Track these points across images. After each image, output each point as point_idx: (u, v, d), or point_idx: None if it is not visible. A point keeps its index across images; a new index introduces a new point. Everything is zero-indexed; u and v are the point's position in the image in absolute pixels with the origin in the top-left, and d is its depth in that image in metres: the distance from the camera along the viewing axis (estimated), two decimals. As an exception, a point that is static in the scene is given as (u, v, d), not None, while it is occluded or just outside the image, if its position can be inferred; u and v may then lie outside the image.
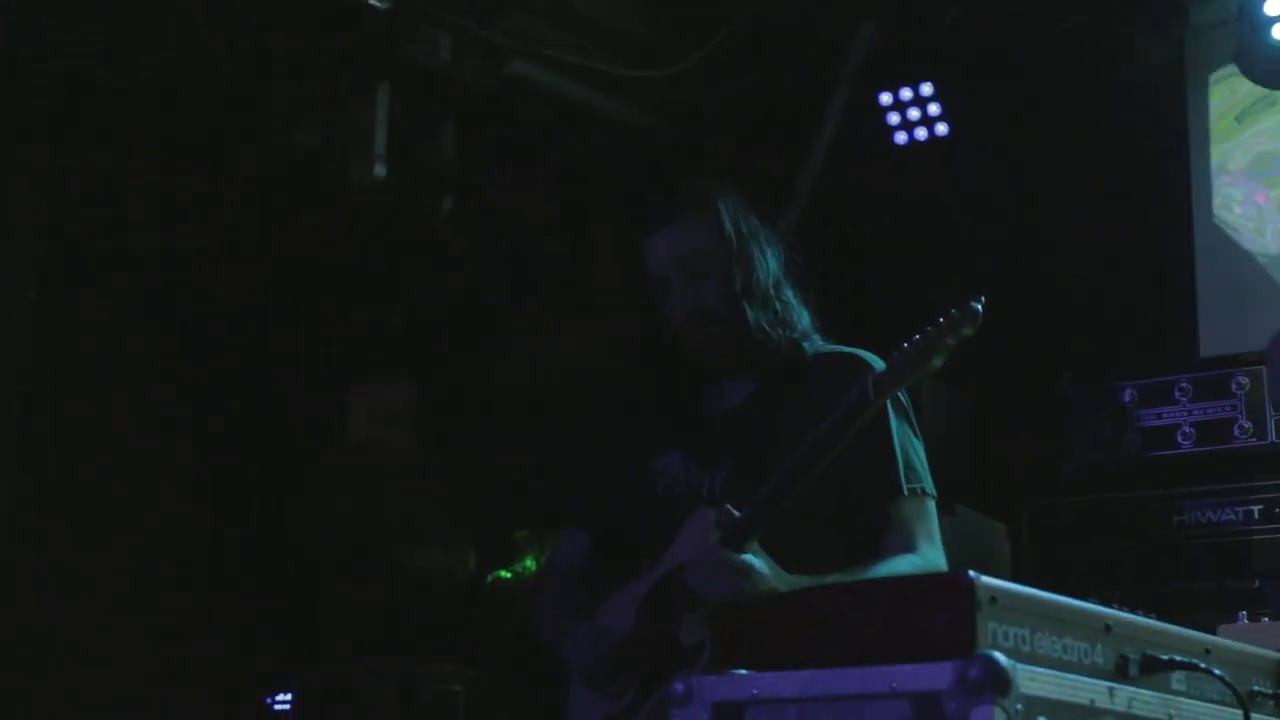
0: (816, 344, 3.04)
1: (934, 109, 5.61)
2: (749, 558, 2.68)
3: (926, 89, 5.62)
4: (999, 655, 1.99)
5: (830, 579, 2.70)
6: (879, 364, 2.89)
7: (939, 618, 2.05)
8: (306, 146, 5.06)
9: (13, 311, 5.02)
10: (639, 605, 2.86)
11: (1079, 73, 5.42)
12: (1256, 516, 3.88)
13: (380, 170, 4.96)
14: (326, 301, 5.79)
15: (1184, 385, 4.15)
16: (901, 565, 2.81)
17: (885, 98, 5.66)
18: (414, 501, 5.91)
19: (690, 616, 2.72)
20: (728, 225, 3.01)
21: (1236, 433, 4.07)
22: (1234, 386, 4.12)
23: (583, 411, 3.81)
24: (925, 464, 2.96)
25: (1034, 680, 2.02)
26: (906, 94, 5.64)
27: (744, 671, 2.17)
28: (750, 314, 2.96)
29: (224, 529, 5.51)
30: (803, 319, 3.04)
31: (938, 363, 2.66)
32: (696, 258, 2.99)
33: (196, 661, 5.35)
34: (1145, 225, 5.23)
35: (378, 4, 4.89)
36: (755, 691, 2.14)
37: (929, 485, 2.93)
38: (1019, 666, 2.01)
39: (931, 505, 2.93)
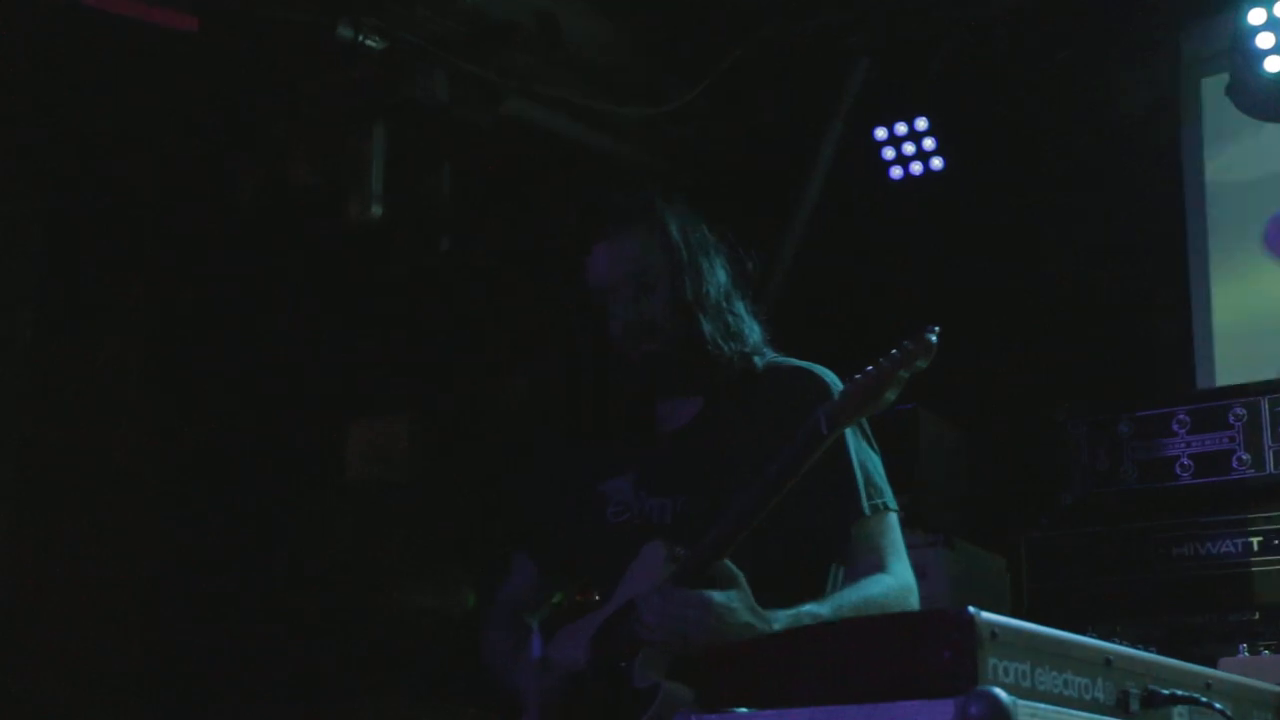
0: (768, 357, 2.93)
1: (929, 144, 5.63)
2: (711, 593, 2.56)
3: (922, 124, 5.64)
4: (1000, 691, 1.98)
5: (806, 608, 2.62)
6: (832, 378, 2.82)
7: (940, 654, 2.04)
8: (303, 185, 5.07)
9: (13, 341, 5.05)
10: (591, 641, 2.73)
11: (1073, 107, 5.45)
12: (1256, 548, 3.87)
13: (377, 209, 4.97)
14: (325, 329, 5.79)
15: (1181, 417, 4.14)
16: (875, 587, 2.72)
17: (881, 133, 5.68)
18: (410, 539, 5.90)
19: (643, 656, 2.59)
20: (674, 234, 2.89)
21: (1235, 464, 4.06)
22: (1231, 418, 4.11)
23: (535, 435, 3.74)
24: (884, 477, 2.87)
25: (1035, 716, 2.01)
26: (902, 129, 5.66)
27: (745, 710, 2.16)
28: (704, 326, 2.85)
29: (222, 557, 5.51)
30: (754, 332, 2.92)
31: (891, 396, 2.58)
32: (641, 269, 2.87)
33: (192, 692, 5.34)
34: (1140, 258, 5.25)
35: (373, 44, 4.91)
36: (756, 730, 2.14)
37: (890, 499, 2.85)
38: (1020, 703, 2.00)
39: (894, 519, 2.85)
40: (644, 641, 2.59)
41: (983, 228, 5.51)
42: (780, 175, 5.78)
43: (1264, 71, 4.89)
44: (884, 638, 2.15)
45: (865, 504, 2.79)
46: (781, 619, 2.56)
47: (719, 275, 2.91)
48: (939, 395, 5.01)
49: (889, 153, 5.67)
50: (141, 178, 5.21)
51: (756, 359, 2.89)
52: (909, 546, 4.30)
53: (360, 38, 4.81)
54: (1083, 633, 2.28)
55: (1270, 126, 5.09)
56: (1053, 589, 4.09)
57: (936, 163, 5.61)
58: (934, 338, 2.53)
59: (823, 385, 2.80)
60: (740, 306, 2.92)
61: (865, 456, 2.83)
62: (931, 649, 2.05)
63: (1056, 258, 5.35)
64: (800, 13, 5.50)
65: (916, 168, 5.64)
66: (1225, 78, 5.09)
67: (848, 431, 2.74)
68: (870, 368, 2.59)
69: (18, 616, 4.99)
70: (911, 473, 4.59)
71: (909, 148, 5.65)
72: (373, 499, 5.83)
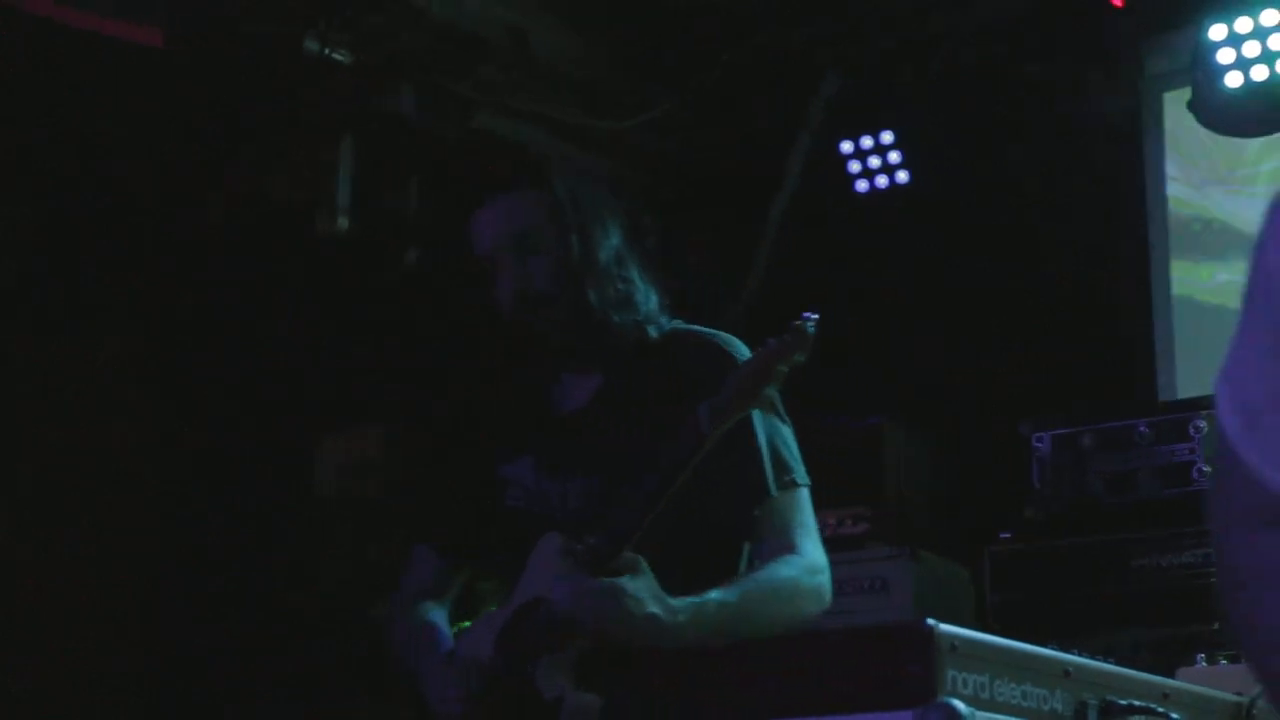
0: (666, 325, 2.76)
1: (894, 157, 5.67)
2: (623, 581, 2.44)
3: (887, 137, 5.67)
4: (959, 703, 2.01)
5: (711, 595, 2.51)
6: (737, 346, 2.70)
7: (899, 666, 2.07)
8: (271, 198, 5.08)
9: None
10: (497, 640, 2.60)
11: (1038, 121, 5.49)
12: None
13: (344, 222, 4.98)
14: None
15: (1143, 430, 4.17)
16: (783, 569, 2.59)
17: (847, 146, 5.71)
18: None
19: (549, 661, 2.49)
20: (563, 197, 2.72)
21: (1196, 476, 4.09)
22: (1192, 430, 4.14)
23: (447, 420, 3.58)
24: (795, 452, 2.70)
25: (992, 728, 2.05)
26: (868, 142, 5.70)
27: (705, 721, 2.19)
28: (590, 293, 2.68)
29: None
30: (649, 300, 2.74)
31: (771, 391, 2.49)
32: (528, 233, 2.70)
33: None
34: (1103, 271, 5.29)
35: (341, 57, 4.92)
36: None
37: (800, 475, 2.69)
38: (979, 714, 2.04)
39: (804, 495, 2.69)
40: (551, 641, 2.50)
41: (947, 240, 5.55)
42: (755, 188, 5.81)
43: (1225, 87, 4.93)
44: (844, 649, 2.18)
45: (772, 483, 2.64)
46: (685, 608, 2.47)
47: (611, 239, 2.73)
48: (905, 407, 5.07)
49: (855, 166, 5.71)
50: (110, 191, 5.21)
51: (652, 328, 2.74)
52: (873, 559, 4.38)
53: (327, 51, 4.81)
54: (1044, 644, 2.31)
55: (1231, 142, 5.14)
56: (1016, 601, 4.10)
57: (902, 176, 5.66)
58: (811, 327, 2.41)
59: (726, 356, 2.67)
60: (634, 273, 2.74)
61: (774, 431, 2.68)
62: (891, 661, 2.08)
63: (1021, 269, 5.38)
64: (774, 26, 5.54)
65: (882, 181, 5.68)
66: (1187, 92, 5.14)
67: (755, 411, 2.61)
68: (748, 359, 2.51)
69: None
70: (877, 486, 4.62)
71: (875, 161, 5.69)
72: (346, 513, 5.81)
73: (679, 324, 2.80)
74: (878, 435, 4.71)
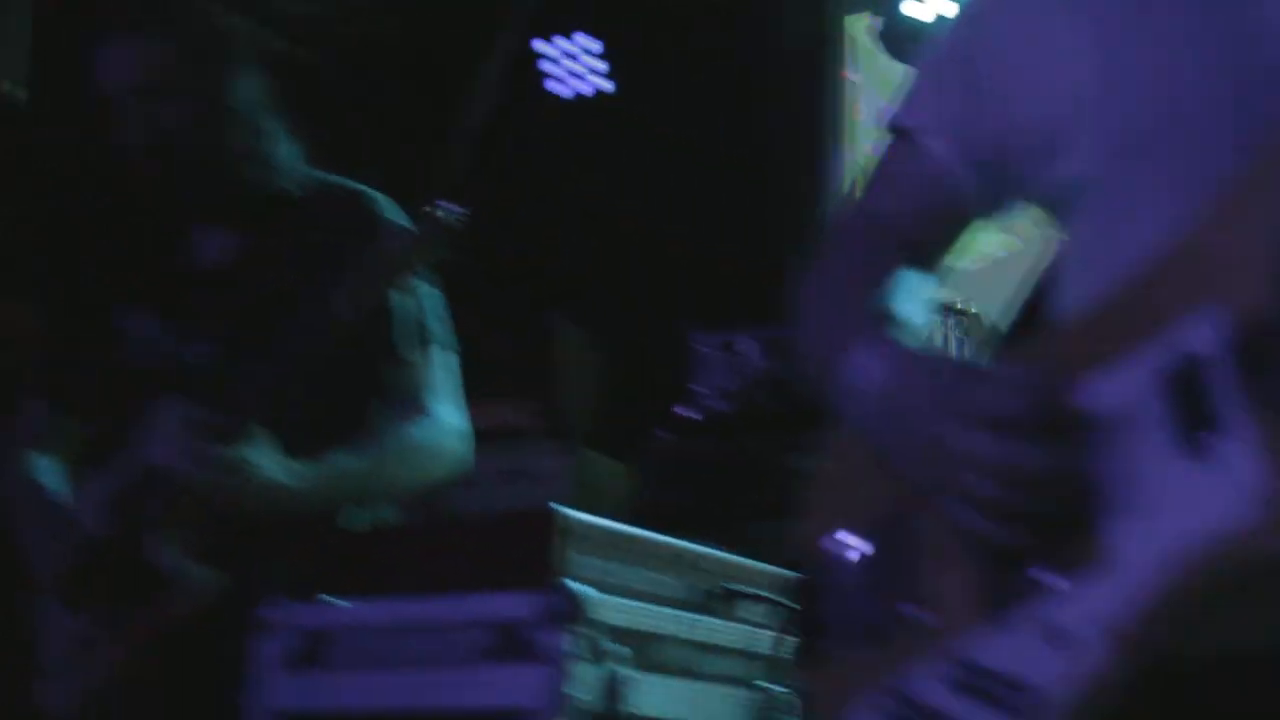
0: (306, 179, 2.62)
1: (595, 64, 5.71)
2: (237, 452, 2.35)
3: (587, 43, 5.70)
4: (578, 585, 2.09)
5: (340, 459, 2.44)
6: (382, 203, 2.59)
7: (522, 549, 2.13)
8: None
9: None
10: (110, 506, 2.48)
11: (739, 36, 5.60)
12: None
13: (14, 89, 4.78)
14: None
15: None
16: (415, 431, 2.51)
17: (547, 48, 5.72)
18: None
19: (166, 532, 2.38)
20: (197, 38, 2.54)
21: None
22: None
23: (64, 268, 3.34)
24: (439, 315, 2.60)
25: (613, 610, 2.12)
26: (569, 46, 5.71)
27: (332, 599, 2.22)
28: (221, 141, 2.52)
29: None
30: (287, 152, 2.60)
31: (412, 279, 2.44)
32: (157, 74, 2.50)
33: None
34: (785, 185, 5.46)
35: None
36: (342, 620, 2.20)
37: (440, 338, 2.59)
38: (599, 597, 2.10)
39: (443, 357, 2.59)
40: (164, 511, 2.40)
41: (638, 150, 5.63)
42: (447, 87, 5.77)
43: (901, 14, 5.14)
44: (471, 533, 2.24)
45: (408, 347, 2.55)
46: (311, 473, 2.41)
47: (245, 87, 2.56)
48: (581, 307, 5.17)
49: (555, 68, 5.72)
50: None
51: (290, 183, 2.60)
52: (535, 452, 4.44)
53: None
54: (689, 538, 2.40)
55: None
56: (668, 497, 4.24)
57: (601, 83, 5.70)
58: (443, 214, 2.32)
59: (370, 216, 2.56)
60: (271, 123, 2.58)
61: (418, 296, 2.57)
62: (515, 543, 2.15)
63: (705, 180, 5.51)
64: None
65: (581, 86, 5.72)
66: (867, 17, 5.33)
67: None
68: (389, 241, 2.43)
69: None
70: (547, 382, 4.69)
71: (576, 65, 5.71)
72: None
73: (325, 176, 2.66)
74: (551, 333, 4.79)
